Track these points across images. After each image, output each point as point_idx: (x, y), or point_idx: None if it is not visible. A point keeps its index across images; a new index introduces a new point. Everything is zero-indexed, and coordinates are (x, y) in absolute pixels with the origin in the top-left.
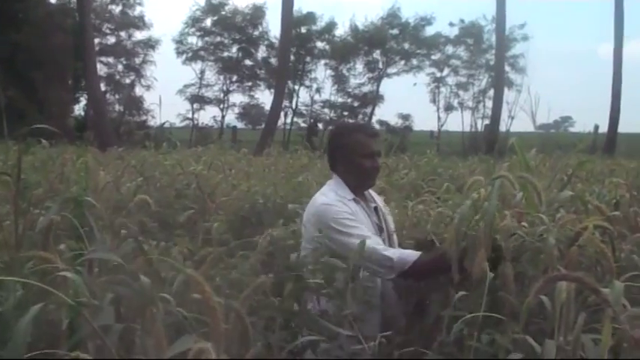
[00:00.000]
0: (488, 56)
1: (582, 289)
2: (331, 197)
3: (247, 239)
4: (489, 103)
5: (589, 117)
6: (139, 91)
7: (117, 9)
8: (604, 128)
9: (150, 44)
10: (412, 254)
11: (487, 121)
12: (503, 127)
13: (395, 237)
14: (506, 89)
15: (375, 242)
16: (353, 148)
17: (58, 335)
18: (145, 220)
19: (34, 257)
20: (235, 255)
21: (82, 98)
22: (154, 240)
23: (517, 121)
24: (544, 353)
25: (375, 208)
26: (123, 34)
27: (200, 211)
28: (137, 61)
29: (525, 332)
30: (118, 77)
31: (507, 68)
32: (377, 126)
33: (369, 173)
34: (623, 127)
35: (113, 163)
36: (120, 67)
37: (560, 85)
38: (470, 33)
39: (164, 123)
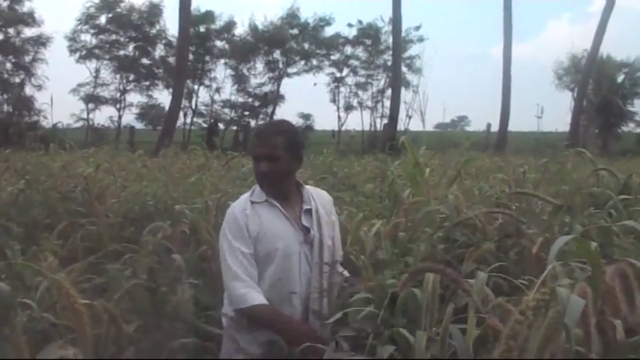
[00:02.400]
0: (385, 57)
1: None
2: (239, 200)
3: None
4: (388, 103)
5: (484, 116)
6: (29, 90)
7: (4, 4)
8: (496, 127)
9: (41, 42)
10: (257, 299)
11: (385, 121)
12: (401, 127)
13: (328, 244)
14: (403, 89)
15: (237, 266)
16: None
17: None
18: (10, 225)
19: None
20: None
21: None
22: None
23: (415, 121)
24: (415, 343)
25: (309, 211)
26: (11, 30)
27: (87, 214)
28: (27, 59)
29: (401, 325)
30: (6, 76)
31: (404, 69)
32: None
33: (256, 176)
34: (513, 126)
35: None
36: (8, 66)
37: (457, 86)
38: (368, 34)
39: (56, 123)
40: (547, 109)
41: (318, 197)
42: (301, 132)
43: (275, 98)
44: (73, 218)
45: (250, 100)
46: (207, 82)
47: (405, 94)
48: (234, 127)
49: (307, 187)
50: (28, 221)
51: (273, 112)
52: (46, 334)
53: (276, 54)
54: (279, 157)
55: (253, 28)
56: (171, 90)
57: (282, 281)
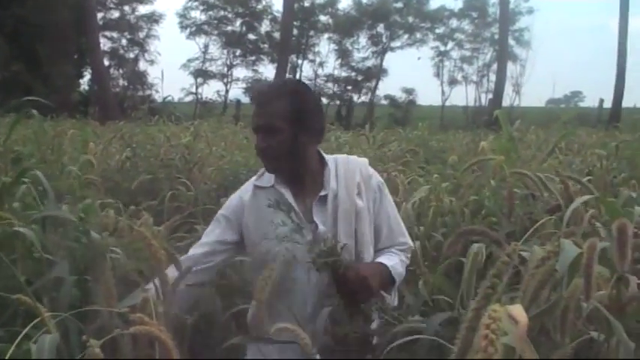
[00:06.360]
0: (492, 29)
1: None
2: (245, 185)
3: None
4: (494, 77)
5: (601, 92)
6: (142, 65)
7: None
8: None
9: (154, 18)
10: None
11: (491, 96)
12: (507, 102)
13: (347, 244)
14: (510, 63)
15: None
16: None
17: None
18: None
19: None
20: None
21: (86, 73)
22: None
23: (527, 96)
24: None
25: (324, 198)
26: (127, 8)
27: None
28: (141, 35)
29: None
30: (121, 52)
31: (512, 42)
32: (383, 101)
33: (257, 153)
34: (628, 102)
35: (109, 136)
36: (124, 42)
37: (570, 60)
38: (474, 6)
39: (167, 97)
40: None
41: (345, 173)
42: (314, 94)
43: (378, 72)
44: (173, 183)
45: (353, 74)
46: (310, 56)
47: (513, 69)
48: (337, 102)
49: (338, 159)
50: (131, 185)
51: (376, 87)
52: (131, 281)
53: (380, 28)
54: (279, 129)
55: (357, 2)
56: (276, 64)
57: (286, 294)
